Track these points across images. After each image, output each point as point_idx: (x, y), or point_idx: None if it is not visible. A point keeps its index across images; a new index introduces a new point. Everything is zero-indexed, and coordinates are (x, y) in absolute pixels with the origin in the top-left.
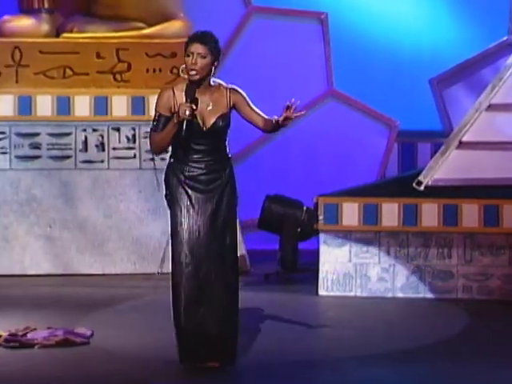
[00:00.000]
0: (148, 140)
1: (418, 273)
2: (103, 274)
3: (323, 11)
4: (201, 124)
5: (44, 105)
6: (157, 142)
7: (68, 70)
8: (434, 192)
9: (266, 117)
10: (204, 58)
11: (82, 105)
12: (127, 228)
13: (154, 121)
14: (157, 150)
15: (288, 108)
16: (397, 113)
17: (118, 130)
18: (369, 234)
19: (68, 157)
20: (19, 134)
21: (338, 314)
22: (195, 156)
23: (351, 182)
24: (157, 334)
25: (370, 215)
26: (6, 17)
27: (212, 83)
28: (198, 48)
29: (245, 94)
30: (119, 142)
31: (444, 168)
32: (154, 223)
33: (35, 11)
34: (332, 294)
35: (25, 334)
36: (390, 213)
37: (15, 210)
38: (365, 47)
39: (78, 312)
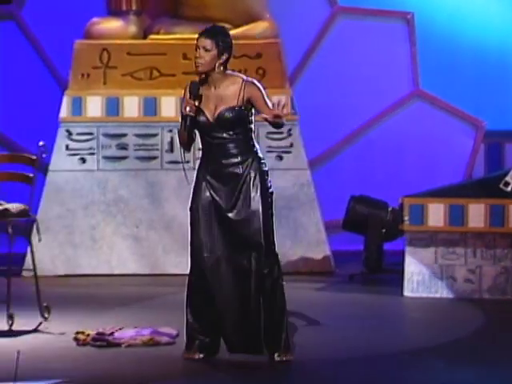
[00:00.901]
0: None
1: (505, 274)
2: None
3: (409, 11)
4: (208, 117)
5: (131, 106)
6: (179, 137)
7: (155, 71)
8: None
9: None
10: (208, 51)
11: (169, 106)
12: None
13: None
14: (181, 145)
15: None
16: (483, 113)
17: None
18: (455, 235)
19: (154, 157)
20: (107, 135)
21: (423, 315)
22: (214, 150)
23: (437, 183)
24: None
25: (456, 216)
26: (94, 19)
27: (227, 76)
28: (202, 41)
29: (262, 89)
30: None
31: None
32: None
33: (123, 13)
34: (417, 295)
35: (112, 333)
36: (477, 214)
37: (102, 210)
38: (451, 47)
39: (164, 311)
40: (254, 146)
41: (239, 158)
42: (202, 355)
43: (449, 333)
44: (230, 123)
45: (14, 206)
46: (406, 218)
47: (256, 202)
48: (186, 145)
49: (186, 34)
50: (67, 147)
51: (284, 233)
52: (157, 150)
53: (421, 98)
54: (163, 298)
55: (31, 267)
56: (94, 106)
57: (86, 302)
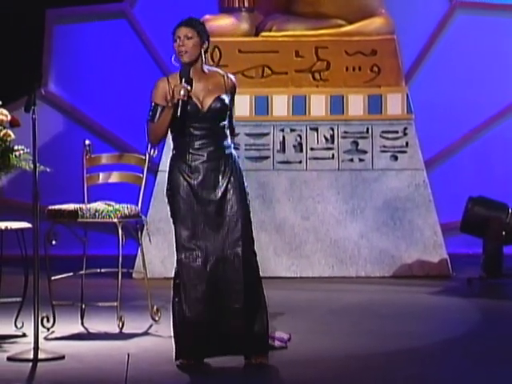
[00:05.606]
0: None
1: None
2: (300, 277)
3: None
4: (199, 106)
5: (242, 105)
6: (153, 130)
7: (267, 70)
8: None
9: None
10: (191, 38)
11: (280, 104)
12: (325, 230)
13: (149, 111)
14: (154, 139)
15: None
16: None
17: (315, 129)
18: None
19: (266, 157)
20: None
21: None
22: (196, 143)
23: None
24: (354, 337)
25: None
26: (206, 16)
27: (207, 70)
28: (183, 31)
29: (235, 90)
30: (317, 142)
31: None
32: (352, 225)
33: (235, 10)
34: None
35: None
36: None
37: None
38: None
39: (276, 315)
40: (230, 140)
41: (220, 152)
42: (193, 361)
43: None
44: (220, 113)
45: (124, 207)
46: None
47: (238, 201)
48: (161, 139)
49: (298, 31)
50: None
51: (399, 235)
52: (268, 149)
53: None
54: (274, 302)
55: (141, 269)
56: None
57: None
